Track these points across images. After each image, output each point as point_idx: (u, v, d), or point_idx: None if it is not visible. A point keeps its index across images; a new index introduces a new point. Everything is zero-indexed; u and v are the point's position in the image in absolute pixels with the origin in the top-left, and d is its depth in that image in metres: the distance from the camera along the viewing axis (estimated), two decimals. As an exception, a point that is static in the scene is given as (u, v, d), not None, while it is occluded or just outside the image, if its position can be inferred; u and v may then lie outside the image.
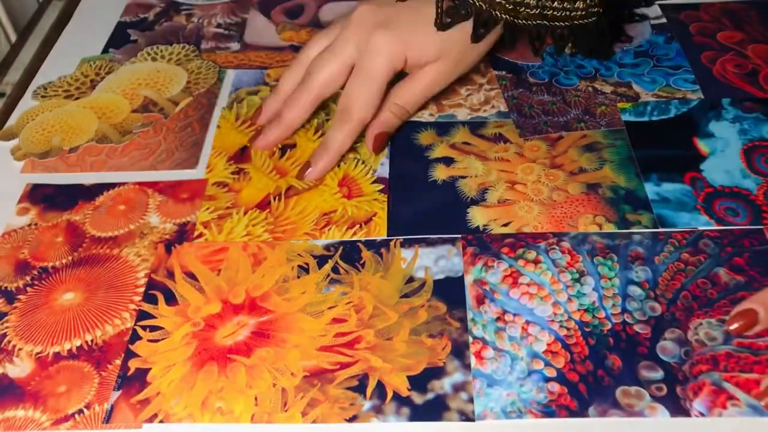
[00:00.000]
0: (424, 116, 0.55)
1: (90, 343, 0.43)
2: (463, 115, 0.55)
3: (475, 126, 0.54)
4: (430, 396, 0.39)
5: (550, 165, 0.51)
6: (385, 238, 0.47)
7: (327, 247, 0.47)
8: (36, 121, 0.57)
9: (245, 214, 0.49)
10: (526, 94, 0.56)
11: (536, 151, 0.52)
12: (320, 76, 0.52)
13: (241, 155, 0.53)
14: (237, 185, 0.51)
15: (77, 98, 0.59)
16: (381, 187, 0.50)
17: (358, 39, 0.51)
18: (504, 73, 0.59)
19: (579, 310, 0.42)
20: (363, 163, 0.52)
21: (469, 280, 0.44)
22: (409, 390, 0.39)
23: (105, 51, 0.64)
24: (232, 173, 0.52)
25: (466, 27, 0.52)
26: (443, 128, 0.54)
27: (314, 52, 0.54)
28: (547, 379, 0.39)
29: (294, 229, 0.48)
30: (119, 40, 0.65)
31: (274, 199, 0.50)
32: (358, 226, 0.48)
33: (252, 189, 0.51)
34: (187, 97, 0.58)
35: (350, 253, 0.46)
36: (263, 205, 0.50)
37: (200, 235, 0.48)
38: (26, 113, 0.58)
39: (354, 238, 0.47)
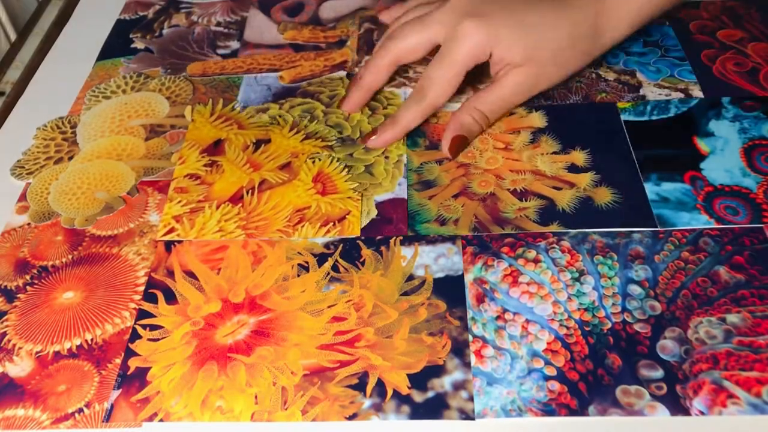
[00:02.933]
0: (462, 99, 0.55)
1: (90, 342, 0.43)
2: None
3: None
4: (430, 394, 0.39)
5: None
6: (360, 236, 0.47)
7: (327, 245, 0.47)
8: (57, 191, 0.51)
9: (218, 208, 0.49)
10: None
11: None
12: (400, 44, 0.53)
13: (215, 148, 0.53)
14: (210, 178, 0.51)
15: (71, 158, 0.53)
16: (356, 184, 0.50)
17: (449, 21, 0.51)
18: None
19: (579, 309, 0.42)
20: (338, 160, 0.52)
21: (469, 278, 0.44)
22: (409, 388, 0.39)
23: (104, 52, 0.64)
24: (205, 165, 0.52)
25: (558, 36, 0.51)
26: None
27: (411, 15, 0.56)
28: (547, 378, 0.39)
29: (267, 226, 0.48)
30: (118, 39, 0.65)
31: (247, 193, 0.50)
32: (331, 224, 0.48)
33: (225, 182, 0.50)
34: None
35: (350, 251, 0.46)
36: (236, 199, 0.49)
37: (172, 230, 0.48)
38: (36, 191, 0.52)
39: (327, 237, 0.47)
